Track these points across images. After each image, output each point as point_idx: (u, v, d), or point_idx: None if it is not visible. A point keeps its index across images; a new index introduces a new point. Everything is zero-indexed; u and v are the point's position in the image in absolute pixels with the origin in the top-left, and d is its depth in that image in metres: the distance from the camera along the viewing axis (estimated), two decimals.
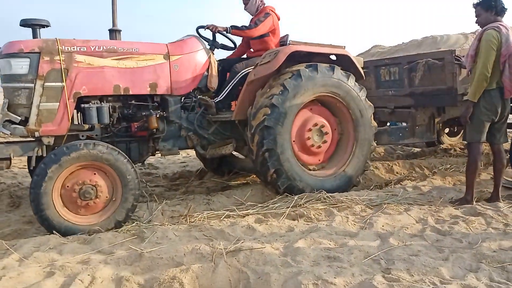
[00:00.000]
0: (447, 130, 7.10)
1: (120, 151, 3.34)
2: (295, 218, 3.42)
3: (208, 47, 4.34)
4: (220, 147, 4.29)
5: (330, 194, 3.92)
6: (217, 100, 4.32)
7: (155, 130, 3.87)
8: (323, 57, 4.33)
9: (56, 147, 3.36)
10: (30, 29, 3.48)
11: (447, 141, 7.00)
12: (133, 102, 3.88)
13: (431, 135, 5.47)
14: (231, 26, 4.31)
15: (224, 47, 4.63)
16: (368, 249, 2.70)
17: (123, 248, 2.81)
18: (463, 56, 4.44)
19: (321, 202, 3.76)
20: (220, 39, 4.49)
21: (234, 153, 4.92)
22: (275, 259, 2.54)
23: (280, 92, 3.92)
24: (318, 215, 3.47)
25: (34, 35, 3.50)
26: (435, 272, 2.35)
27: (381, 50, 6.57)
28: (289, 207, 3.59)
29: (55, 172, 3.14)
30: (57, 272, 2.41)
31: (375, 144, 4.63)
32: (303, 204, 3.67)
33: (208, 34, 4.39)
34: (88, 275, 2.36)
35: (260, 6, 4.61)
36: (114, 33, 4.01)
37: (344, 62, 4.41)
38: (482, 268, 2.38)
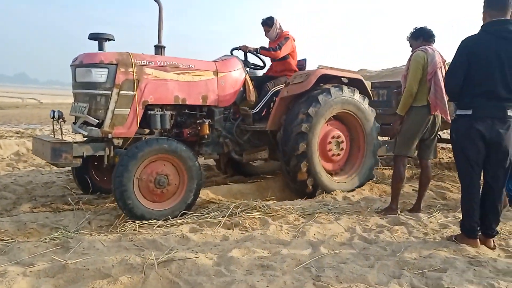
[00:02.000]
0: None
1: (188, 148, 3.88)
2: (230, 227, 3.41)
3: (244, 66, 4.93)
4: (256, 153, 4.96)
5: (266, 203, 3.98)
6: (253, 112, 4.87)
7: (205, 136, 4.42)
8: (338, 80, 5.00)
9: (124, 148, 3.85)
10: (97, 42, 3.92)
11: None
12: (187, 111, 4.43)
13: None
14: (260, 47, 5.00)
15: (254, 66, 5.28)
16: (300, 257, 2.76)
17: (44, 259, 2.61)
18: None
19: (257, 211, 3.79)
20: (251, 59, 5.17)
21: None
22: (208, 269, 2.51)
23: (315, 105, 4.57)
24: (253, 224, 3.48)
25: (100, 48, 3.94)
26: (362, 279, 2.46)
27: (368, 74, 7.41)
28: (225, 216, 3.57)
29: (142, 158, 3.63)
30: None
31: (378, 158, 5.25)
32: (238, 213, 3.68)
33: (240, 54, 5.06)
34: None
35: (279, 33, 5.24)
36: (160, 49, 4.40)
37: (357, 84, 5.09)
38: (404, 275, 2.53)
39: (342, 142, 4.95)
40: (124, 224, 3.39)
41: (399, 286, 2.38)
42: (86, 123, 3.88)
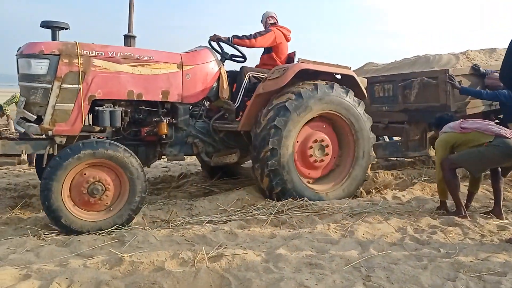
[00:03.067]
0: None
1: (132, 153, 3.41)
2: (277, 224, 3.43)
3: (219, 58, 4.48)
4: (225, 156, 4.41)
5: (312, 201, 3.96)
6: (236, 106, 4.45)
7: (164, 135, 3.98)
8: (329, 76, 4.51)
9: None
10: (50, 30, 3.60)
11: (433, 154, 7.18)
12: (144, 107, 3.98)
13: (423, 149, 5.81)
14: (232, 36, 4.50)
15: (234, 58, 4.74)
16: (349, 256, 2.72)
17: (102, 252, 2.76)
18: (456, 76, 5.01)
19: (304, 209, 3.79)
20: (231, 51, 4.64)
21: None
22: (257, 265, 2.55)
23: (282, 114, 4.05)
24: (300, 222, 3.49)
25: (54, 37, 3.61)
26: (414, 281, 2.39)
27: (374, 67, 6.83)
28: (272, 213, 3.60)
29: (70, 165, 3.21)
30: (33, 275, 2.34)
31: (375, 155, 4.76)
32: (285, 211, 3.69)
33: (218, 45, 4.54)
34: (66, 278, 2.31)
35: (268, 26, 4.88)
36: (129, 39, 4.10)
37: (349, 81, 4.59)
38: (459, 278, 2.44)
39: (327, 146, 4.38)
40: (175, 220, 3.50)
41: None
42: (25, 119, 3.57)
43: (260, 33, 4.58)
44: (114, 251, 2.72)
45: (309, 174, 4.44)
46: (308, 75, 4.34)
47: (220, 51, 4.54)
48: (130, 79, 3.78)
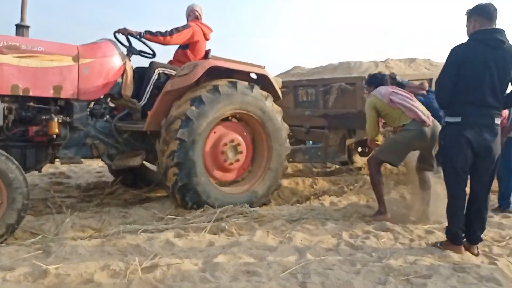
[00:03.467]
0: (359, 149, 7.53)
1: (8, 156, 3.00)
2: (216, 232, 3.38)
3: (125, 52, 4.21)
4: (128, 158, 4.08)
5: (253, 208, 3.95)
6: (142, 104, 4.14)
7: (55, 136, 3.62)
8: (243, 75, 4.33)
9: None
10: None
11: (359, 160, 7.43)
12: (32, 104, 3.59)
13: (342, 155, 5.81)
14: (145, 31, 4.16)
15: (142, 54, 4.43)
16: (286, 263, 2.74)
17: (26, 264, 2.55)
18: None
19: (243, 216, 3.77)
20: (140, 46, 4.35)
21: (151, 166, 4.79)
22: (193, 275, 2.48)
23: (196, 105, 3.83)
24: (239, 229, 3.46)
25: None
26: (347, 285, 2.45)
27: (300, 71, 6.87)
28: (210, 221, 3.53)
29: None
30: None
31: (287, 164, 4.67)
32: (225, 218, 3.65)
33: (125, 39, 4.24)
34: None
35: (190, 18, 4.63)
36: (21, 29, 3.74)
37: (263, 81, 4.45)
38: (389, 281, 2.53)
39: (239, 145, 4.20)
40: (108, 229, 3.33)
41: None
42: None
43: (177, 29, 4.27)
44: (38, 263, 2.51)
45: (219, 176, 4.25)
46: (221, 73, 4.14)
47: (128, 45, 4.25)
48: (15, 72, 3.42)
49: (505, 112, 4.49)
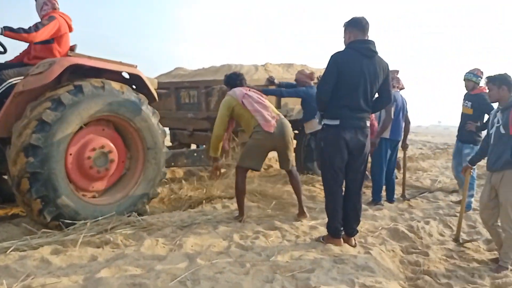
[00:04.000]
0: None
1: None
2: (100, 245, 3.15)
3: None
4: None
5: (142, 217, 3.79)
6: None
7: None
8: (114, 75, 3.99)
9: None
10: None
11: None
12: None
13: (227, 157, 5.66)
14: (4, 27, 3.60)
15: None
16: (176, 271, 2.67)
17: None
18: (254, 85, 4.96)
19: (131, 226, 3.58)
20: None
21: None
22: None
23: (55, 107, 3.41)
24: (126, 240, 3.28)
25: None
26: (237, 287, 2.48)
27: (183, 72, 6.68)
28: (93, 233, 3.29)
29: None
30: None
31: (165, 171, 4.36)
32: (110, 230, 3.43)
33: None
34: None
35: (45, 10, 4.03)
36: None
37: (137, 82, 4.16)
38: (276, 279, 2.63)
39: (111, 152, 3.84)
40: None
41: None
42: None
43: (42, 24, 3.76)
44: None
45: (92, 187, 3.87)
46: (87, 73, 3.79)
47: None
48: None
49: (372, 116, 5.01)
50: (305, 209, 4.26)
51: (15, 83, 3.63)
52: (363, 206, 4.88)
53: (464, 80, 5.22)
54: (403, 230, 4.04)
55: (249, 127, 3.98)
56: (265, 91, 5.37)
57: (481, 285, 3.09)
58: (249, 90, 4.10)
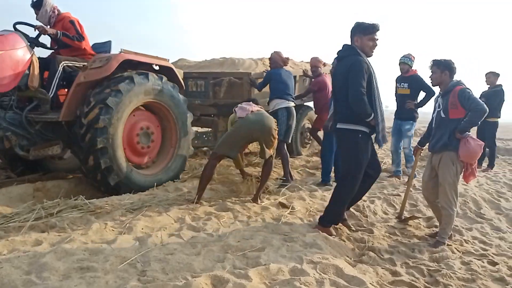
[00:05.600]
0: None
1: None
2: (44, 229, 3.04)
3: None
4: (46, 148, 4.28)
5: (89, 200, 3.68)
6: (51, 96, 4.26)
7: None
8: (148, 67, 4.73)
9: None
10: None
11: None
12: None
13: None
14: (62, 33, 4.49)
15: (44, 46, 4.63)
16: (126, 253, 2.63)
17: None
18: (256, 78, 6.10)
19: (78, 209, 3.47)
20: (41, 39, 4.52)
21: None
22: (14, 280, 2.19)
23: (115, 94, 4.15)
24: (73, 224, 3.18)
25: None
26: (188, 268, 2.49)
27: (187, 63, 7.39)
28: (37, 218, 3.16)
29: None
30: None
31: (192, 148, 5.28)
32: (55, 214, 3.30)
33: (27, 30, 4.39)
34: None
35: (54, 17, 4.68)
36: None
37: (168, 73, 4.94)
38: (227, 258, 2.67)
39: (152, 133, 4.74)
40: None
41: (222, 269, 2.49)
42: None
43: (79, 31, 4.63)
44: None
45: (136, 159, 4.63)
46: (129, 65, 4.50)
47: (32, 37, 4.36)
48: None
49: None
50: (260, 197, 4.24)
51: (67, 64, 4.50)
52: (313, 187, 5.10)
53: (399, 64, 6.01)
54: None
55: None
56: (259, 86, 5.96)
57: (420, 259, 3.31)
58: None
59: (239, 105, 4.35)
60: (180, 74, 5.19)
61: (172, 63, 7.43)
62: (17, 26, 4.42)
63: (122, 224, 3.22)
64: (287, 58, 5.85)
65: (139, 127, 4.59)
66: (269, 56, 6.70)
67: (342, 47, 3.48)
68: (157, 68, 4.88)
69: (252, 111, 4.18)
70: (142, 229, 3.16)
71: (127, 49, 4.60)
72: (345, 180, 3.47)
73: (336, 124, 3.50)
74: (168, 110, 4.84)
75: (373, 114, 3.31)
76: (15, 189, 4.17)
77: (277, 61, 5.71)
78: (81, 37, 4.62)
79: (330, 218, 3.52)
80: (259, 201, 4.18)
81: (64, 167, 5.37)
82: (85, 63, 4.45)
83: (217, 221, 3.46)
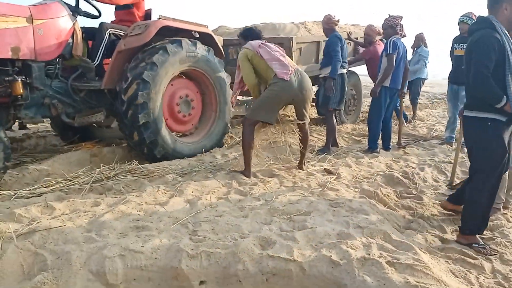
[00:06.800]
0: None
1: None
2: (102, 192, 3.24)
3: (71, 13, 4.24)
4: (90, 115, 4.38)
5: (142, 165, 3.86)
6: (95, 64, 4.31)
7: (19, 96, 3.68)
8: (187, 34, 4.67)
9: None
10: None
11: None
12: None
13: None
14: None
15: (87, 14, 4.54)
16: (177, 214, 2.76)
17: None
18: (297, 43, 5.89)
19: (132, 173, 3.66)
20: (84, 6, 4.45)
21: None
22: (77, 237, 2.36)
23: (150, 68, 4.12)
24: (128, 187, 3.36)
25: None
26: (236, 229, 2.57)
27: (227, 30, 7.14)
28: (95, 181, 3.37)
29: None
30: None
31: (233, 109, 5.23)
32: (112, 177, 3.50)
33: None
34: None
35: None
36: None
37: (207, 39, 4.87)
38: (274, 221, 2.72)
39: (192, 101, 4.72)
40: None
41: (269, 231, 2.55)
42: None
43: None
44: None
45: (178, 128, 4.70)
46: (167, 32, 4.42)
47: (74, 6, 4.30)
48: None
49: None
50: (304, 163, 4.20)
51: (112, 32, 4.50)
52: (359, 154, 5.02)
53: (459, 23, 5.48)
54: (398, 176, 4.13)
55: (267, 79, 3.85)
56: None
57: None
58: (264, 42, 3.99)
59: (261, 44, 3.88)
60: (219, 41, 5.10)
61: (212, 30, 7.40)
62: None
63: (173, 187, 3.36)
64: (338, 21, 5.60)
65: (179, 96, 4.57)
66: (310, 20, 6.60)
67: (476, 20, 2.99)
68: (197, 35, 4.79)
69: (294, 69, 3.83)
70: (192, 192, 3.27)
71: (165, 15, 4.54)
72: (475, 178, 2.89)
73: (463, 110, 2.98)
74: (206, 75, 4.78)
75: (505, 99, 2.68)
76: (74, 155, 4.41)
77: (328, 26, 5.44)
78: None
79: (469, 226, 2.91)
80: (304, 167, 4.17)
81: (112, 135, 5.51)
82: None
83: (263, 186, 3.52)
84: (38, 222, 2.48)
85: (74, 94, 4.23)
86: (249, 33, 4.15)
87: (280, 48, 4.05)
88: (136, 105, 4.08)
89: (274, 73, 3.76)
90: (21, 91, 3.65)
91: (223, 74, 4.93)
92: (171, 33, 4.48)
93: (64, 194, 3.10)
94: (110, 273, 2.09)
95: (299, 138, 4.08)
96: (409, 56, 8.31)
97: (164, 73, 4.25)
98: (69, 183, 3.35)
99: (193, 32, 4.73)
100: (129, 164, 3.80)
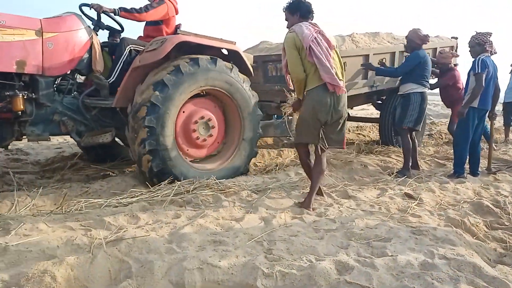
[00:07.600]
0: None
1: None
2: (182, 205, 3.37)
3: (91, 27, 4.13)
4: (97, 135, 4.00)
5: (219, 180, 3.96)
6: (110, 81, 4.09)
7: (20, 112, 3.56)
8: (214, 51, 4.24)
9: None
10: None
11: None
12: None
13: None
14: (120, 8, 4.11)
15: (110, 29, 4.45)
16: (253, 231, 2.78)
17: None
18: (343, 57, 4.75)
19: (209, 188, 3.77)
20: (107, 21, 4.32)
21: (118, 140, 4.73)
22: (159, 247, 2.47)
23: (160, 90, 3.73)
24: (205, 201, 3.47)
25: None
26: (311, 250, 2.52)
27: (268, 46, 6.74)
28: (176, 194, 3.52)
29: None
30: None
31: (261, 132, 4.66)
32: (191, 191, 3.64)
33: (93, 13, 4.20)
34: None
35: None
36: None
37: (235, 57, 4.42)
38: (351, 245, 2.63)
39: (210, 120, 4.19)
40: (69, 204, 3.24)
41: (346, 255, 2.47)
42: None
43: (152, 6, 4.25)
44: None
45: (194, 153, 4.24)
46: (191, 49, 4.05)
47: (96, 20, 4.19)
48: None
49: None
50: (312, 203, 3.46)
51: (132, 48, 4.20)
52: (444, 179, 4.70)
53: None
54: (487, 204, 3.79)
55: (309, 83, 3.30)
56: (378, 71, 5.56)
57: None
58: (318, 33, 3.28)
59: (316, 37, 3.23)
60: (249, 59, 4.60)
61: (253, 46, 6.80)
62: (83, 8, 4.17)
63: (248, 203, 3.40)
64: (427, 36, 5.15)
65: (196, 118, 4.08)
66: (355, 31, 6.17)
67: None
68: (225, 52, 4.37)
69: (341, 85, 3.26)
70: (267, 210, 3.29)
71: (188, 31, 4.20)
72: None
73: None
74: (227, 95, 4.25)
75: None
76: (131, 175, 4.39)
77: (414, 40, 5.13)
78: (143, 9, 4.16)
79: None
80: (311, 207, 3.40)
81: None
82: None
83: (338, 208, 3.43)
84: (125, 231, 2.65)
85: (86, 111, 4.01)
86: (298, 7, 3.36)
87: (330, 44, 3.32)
88: (143, 130, 3.70)
89: (318, 83, 3.25)
90: (21, 107, 3.52)
91: (247, 94, 4.38)
92: (194, 51, 4.08)
93: (148, 205, 3.29)
94: (189, 285, 2.15)
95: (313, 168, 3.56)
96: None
97: (177, 94, 3.82)
98: (152, 194, 3.53)
99: (221, 50, 4.35)
100: (207, 179, 3.93)
